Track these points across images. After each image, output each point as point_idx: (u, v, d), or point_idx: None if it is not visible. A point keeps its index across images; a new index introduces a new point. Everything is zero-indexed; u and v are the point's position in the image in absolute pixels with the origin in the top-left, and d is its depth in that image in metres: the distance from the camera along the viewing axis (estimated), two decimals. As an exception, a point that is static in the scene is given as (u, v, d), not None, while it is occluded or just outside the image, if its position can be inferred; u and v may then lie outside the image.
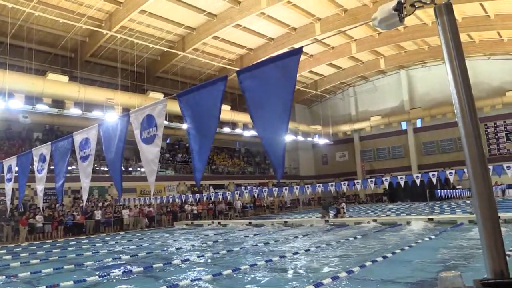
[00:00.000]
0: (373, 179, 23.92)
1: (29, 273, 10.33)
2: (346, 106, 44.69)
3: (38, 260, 12.83)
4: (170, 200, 26.72)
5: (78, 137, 4.97)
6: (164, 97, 22.42)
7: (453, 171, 20.61)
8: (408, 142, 40.74)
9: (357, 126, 43.20)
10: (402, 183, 24.73)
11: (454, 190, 29.48)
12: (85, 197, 5.03)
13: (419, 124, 40.61)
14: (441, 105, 35.94)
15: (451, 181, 22.56)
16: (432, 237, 12.88)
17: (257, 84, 2.85)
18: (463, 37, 28.34)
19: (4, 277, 9.96)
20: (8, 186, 6.97)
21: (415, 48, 33.35)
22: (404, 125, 41.24)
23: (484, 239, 1.99)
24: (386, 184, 26.78)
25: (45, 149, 5.72)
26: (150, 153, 3.92)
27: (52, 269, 10.80)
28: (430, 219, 17.64)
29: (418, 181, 24.29)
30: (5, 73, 20.62)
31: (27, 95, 22.00)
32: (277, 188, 26.41)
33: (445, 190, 28.73)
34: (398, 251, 10.11)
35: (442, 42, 2.11)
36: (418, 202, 32.41)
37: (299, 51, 2.71)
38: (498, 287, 1.66)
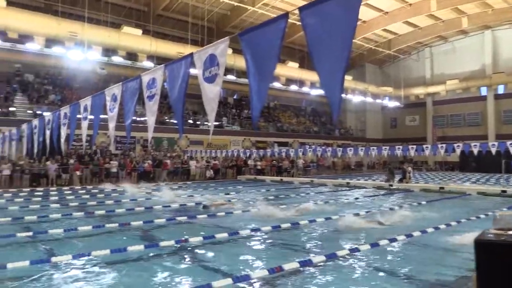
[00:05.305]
0: (444, 145, 22.81)
1: (104, 211, 11.29)
2: (421, 68, 42.38)
3: (112, 201, 13.89)
4: (235, 154, 27.34)
5: (145, 78, 5.19)
6: (233, 52, 22.77)
7: (536, 141, 19.08)
8: (486, 109, 38.13)
9: (431, 89, 41.03)
10: (475, 152, 23.43)
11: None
12: (150, 134, 5.32)
13: (501, 90, 37.71)
14: (529, 70, 32.90)
15: (532, 152, 20.93)
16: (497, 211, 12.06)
17: (318, 21, 2.78)
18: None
19: (83, 213, 10.93)
20: (84, 124, 7.54)
21: (505, 6, 30.39)
22: (483, 91, 38.53)
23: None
24: (458, 152, 25.39)
25: (116, 89, 6.08)
26: (211, 92, 4.00)
27: (124, 210, 11.69)
28: (504, 191, 16.60)
29: (493, 151, 22.84)
30: (83, 25, 21.70)
31: (103, 47, 23.10)
32: (341, 149, 26.03)
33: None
34: (453, 223, 9.45)
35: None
36: (491, 173, 30.50)
37: (363, -16, 2.57)
38: None
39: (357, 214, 10.67)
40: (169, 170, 24.25)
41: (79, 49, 21.97)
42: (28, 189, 18.00)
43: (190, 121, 30.46)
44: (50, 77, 28.80)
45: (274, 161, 30.31)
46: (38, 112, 22.97)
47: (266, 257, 6.55)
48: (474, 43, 38.57)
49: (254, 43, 3.33)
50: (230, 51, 25.66)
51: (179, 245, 7.13)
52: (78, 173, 20.76)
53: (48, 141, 10.21)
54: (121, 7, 28.21)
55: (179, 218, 10.16)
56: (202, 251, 6.83)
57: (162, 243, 7.12)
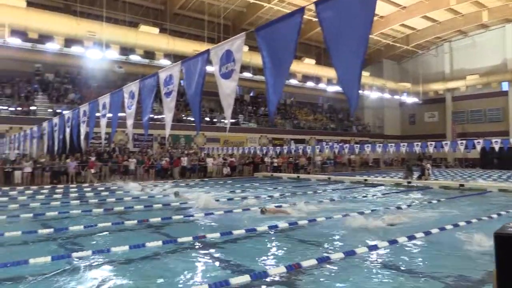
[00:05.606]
0: (463, 142, 22.41)
1: (123, 208, 11.44)
2: (440, 63, 41.68)
3: (130, 198, 14.06)
4: (252, 151, 27.38)
5: (162, 74, 5.24)
6: (249, 50, 22.75)
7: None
8: (508, 105, 37.31)
9: (451, 85, 40.33)
10: (496, 148, 22.93)
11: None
12: (167, 131, 5.37)
13: (523, 85, 36.83)
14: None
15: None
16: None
17: (334, 15, 2.78)
18: None
19: (102, 209, 11.10)
20: (103, 122, 7.65)
21: (526, -2, 29.70)
22: (505, 86, 37.64)
23: None
24: (478, 148, 24.88)
25: (134, 87, 6.16)
26: (228, 87, 4.01)
27: (143, 206, 11.80)
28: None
29: (515, 147, 22.37)
30: (102, 25, 21.99)
31: (121, 46, 23.38)
32: (358, 146, 25.81)
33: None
34: (474, 220, 9.28)
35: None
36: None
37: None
38: None
39: (374, 211, 10.59)
40: (186, 167, 24.39)
41: (98, 48, 22.26)
42: (49, 186, 18.36)
43: (207, 119, 30.61)
44: (69, 76, 29.25)
45: (291, 158, 30.27)
46: (58, 110, 23.37)
47: (284, 254, 6.55)
48: (495, 37, 37.73)
49: (270, 39, 3.33)
50: (246, 48, 25.75)
51: (197, 241, 7.18)
52: (92, 170, 21.03)
53: (68, 138, 10.38)
54: (138, 6, 28.47)
55: (196, 215, 10.23)
56: (220, 248, 6.85)
57: (180, 239, 7.17)
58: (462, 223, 8.72)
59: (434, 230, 7.95)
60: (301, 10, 3.11)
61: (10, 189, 16.79)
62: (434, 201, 13.09)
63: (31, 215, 10.09)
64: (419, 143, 23.32)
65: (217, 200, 12.86)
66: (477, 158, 35.63)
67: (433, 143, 23.23)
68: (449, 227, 8.34)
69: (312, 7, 2.90)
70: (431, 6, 30.58)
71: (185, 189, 17.10)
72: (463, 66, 39.85)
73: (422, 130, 42.62)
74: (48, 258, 5.80)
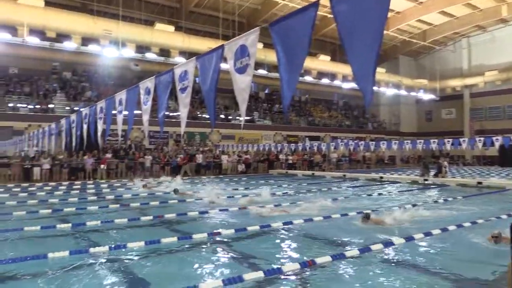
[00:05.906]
0: (482, 139, 22.04)
1: (138, 204, 11.56)
2: (457, 59, 41.03)
3: (146, 194, 14.20)
4: (266, 148, 27.36)
5: (178, 70, 5.29)
6: (264, 47, 22.74)
7: None
8: (528, 101, 36.57)
9: (469, 81, 39.69)
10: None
11: None
12: (183, 126, 5.42)
13: (543, 80, 36.02)
14: None
15: None
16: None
17: (349, 9, 2.77)
18: None
19: (118, 205, 11.24)
20: (119, 119, 7.75)
21: (547, -8, 29.02)
22: (525, 82, 36.87)
23: None
24: (497, 145, 24.46)
25: (149, 83, 6.22)
26: (242, 82, 4.02)
27: (158, 203, 11.91)
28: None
29: (536, 144, 21.98)
30: (118, 23, 22.22)
31: (137, 44, 23.60)
32: (374, 143, 25.59)
33: None
34: (493, 218, 9.15)
35: None
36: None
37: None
38: None
39: (390, 209, 10.50)
40: (201, 164, 24.49)
41: (114, 46, 22.52)
42: (67, 183, 18.65)
43: (222, 116, 30.71)
44: (86, 74, 29.63)
45: (306, 155, 30.17)
46: (76, 108, 23.71)
47: (298, 250, 6.54)
48: (515, 32, 36.97)
49: (284, 33, 3.33)
50: (261, 45, 25.77)
51: (211, 238, 7.21)
52: (102, 166, 21.22)
53: (85, 135, 10.53)
54: (154, 4, 28.67)
55: (211, 211, 10.27)
56: (234, 244, 6.88)
57: (195, 236, 7.21)
58: (480, 221, 8.60)
59: (451, 227, 7.86)
60: (315, 4, 3.10)
61: (29, 185, 17.11)
62: (451, 199, 12.92)
63: (49, 210, 10.27)
64: (436, 140, 23.01)
65: (232, 197, 12.93)
66: (496, 156, 34.93)
67: (450, 140, 22.93)
68: (466, 224, 8.23)
69: (327, 3, 2.88)
70: (448, 1, 30.09)
71: (185, 186, 17.18)
72: (481, 62, 39.15)
73: (439, 127, 42.05)
74: (66, 253, 5.90)
